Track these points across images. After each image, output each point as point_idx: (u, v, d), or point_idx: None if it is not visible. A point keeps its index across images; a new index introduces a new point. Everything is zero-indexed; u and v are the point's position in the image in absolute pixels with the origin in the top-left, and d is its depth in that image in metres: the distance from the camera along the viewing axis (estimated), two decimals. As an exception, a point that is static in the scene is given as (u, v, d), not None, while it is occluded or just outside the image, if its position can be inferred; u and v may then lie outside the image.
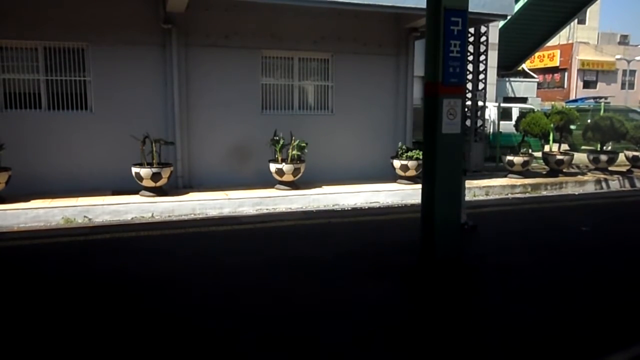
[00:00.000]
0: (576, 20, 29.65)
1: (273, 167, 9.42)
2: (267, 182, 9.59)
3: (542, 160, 12.71)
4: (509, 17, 12.86)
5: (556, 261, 5.32)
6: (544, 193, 10.85)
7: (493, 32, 15.70)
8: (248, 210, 8.73)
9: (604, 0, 66.13)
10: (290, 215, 8.36)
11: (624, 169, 12.99)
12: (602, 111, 15.24)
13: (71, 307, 4.05)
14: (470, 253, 5.31)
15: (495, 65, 18.18)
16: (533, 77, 25.64)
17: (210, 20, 9.58)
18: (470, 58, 12.57)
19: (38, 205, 7.85)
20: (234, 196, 8.89)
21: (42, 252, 5.73)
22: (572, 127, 13.73)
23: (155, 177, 8.56)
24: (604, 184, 11.78)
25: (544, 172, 12.22)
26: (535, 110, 13.80)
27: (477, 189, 10.35)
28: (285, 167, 9.31)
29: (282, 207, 8.96)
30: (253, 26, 9.85)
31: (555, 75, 37.81)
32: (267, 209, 8.84)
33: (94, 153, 9.07)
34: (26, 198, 8.16)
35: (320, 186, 9.84)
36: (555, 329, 3.67)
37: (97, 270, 4.97)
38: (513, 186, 10.76)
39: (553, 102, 18.61)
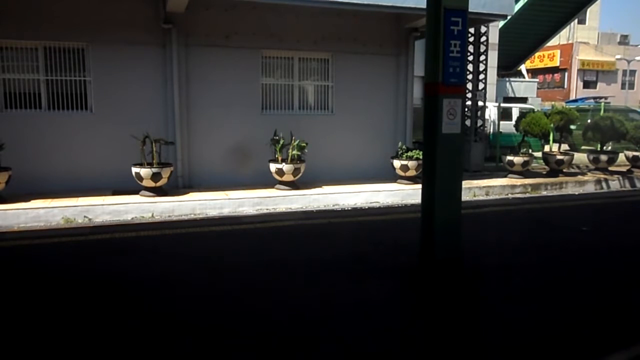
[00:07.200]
0: (576, 20, 29.68)
1: (273, 167, 9.42)
2: (267, 182, 9.59)
3: (542, 160, 12.71)
4: (509, 17, 12.90)
5: (556, 261, 5.32)
6: (544, 193, 10.85)
7: (493, 32, 15.71)
8: (248, 210, 8.73)
9: (604, 0, 66.18)
10: (291, 215, 8.35)
11: (624, 169, 12.99)
12: (602, 111, 15.24)
13: (71, 307, 4.05)
14: (470, 253, 5.30)
15: (495, 65, 18.19)
16: (525, 78, 25.75)
17: (210, 20, 9.58)
18: (470, 58, 12.58)
19: (38, 205, 7.85)
20: (234, 196, 8.89)
21: (42, 252, 5.73)
22: (572, 127, 13.73)
23: (155, 177, 8.56)
24: (604, 184, 11.78)
25: (544, 172, 12.22)
26: (535, 110, 13.80)
27: (477, 189, 10.36)
28: (285, 167, 9.30)
29: (282, 207, 8.96)
30: (253, 26, 9.85)
31: (555, 75, 37.82)
32: (267, 209, 8.84)
33: (94, 153, 9.08)
34: (26, 198, 8.16)
35: (320, 186, 9.84)
36: (555, 329, 3.67)
37: (97, 270, 4.97)
38: (513, 186, 10.76)
39: (553, 102, 18.62)
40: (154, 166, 8.63)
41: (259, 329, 3.67)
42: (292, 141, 9.46)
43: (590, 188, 11.56)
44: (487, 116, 13.95)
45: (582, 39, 38.63)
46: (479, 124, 12.90)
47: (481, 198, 10.09)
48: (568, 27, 28.21)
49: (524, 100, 21.01)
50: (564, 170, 12.24)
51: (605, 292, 4.46)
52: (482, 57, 12.89)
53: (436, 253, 4.74)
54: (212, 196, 8.82)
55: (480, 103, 12.86)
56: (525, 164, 11.47)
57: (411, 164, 10.09)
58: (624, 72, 37.36)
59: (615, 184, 11.88)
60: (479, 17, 10.12)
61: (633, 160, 13.17)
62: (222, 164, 9.85)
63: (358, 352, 3.36)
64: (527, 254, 5.53)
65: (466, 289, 4.56)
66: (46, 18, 8.67)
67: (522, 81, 23.59)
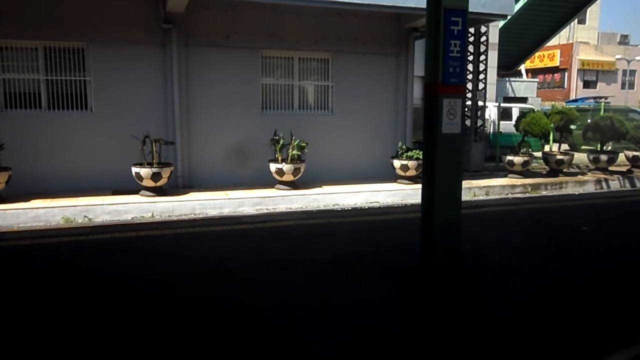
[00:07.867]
0: (576, 20, 29.71)
1: (273, 167, 9.42)
2: (267, 182, 9.59)
3: (542, 160, 12.71)
4: (509, 17, 12.90)
5: (556, 261, 5.32)
6: (544, 193, 10.85)
7: (493, 32, 15.71)
8: (248, 210, 8.73)
9: (604, 0, 66.20)
10: (290, 215, 8.35)
11: (624, 169, 12.99)
12: (602, 111, 15.24)
13: (71, 307, 4.05)
14: (470, 253, 5.30)
15: (495, 65, 18.19)
16: (523, 77, 25.82)
17: (210, 20, 9.58)
18: (470, 58, 12.57)
19: (38, 205, 7.85)
20: (234, 196, 8.89)
21: (42, 252, 5.72)
22: (572, 127, 13.74)
23: (155, 177, 8.56)
24: (604, 184, 11.78)
25: (544, 172, 12.22)
26: (535, 110, 13.80)
27: (477, 189, 10.35)
28: (285, 167, 9.30)
29: (282, 207, 8.96)
30: (253, 26, 9.85)
31: (555, 75, 37.82)
32: (267, 209, 8.84)
33: (94, 153, 9.07)
34: (26, 198, 8.16)
35: (320, 186, 9.84)
36: (556, 329, 3.67)
37: (97, 270, 4.97)
38: (513, 186, 10.76)
39: (553, 102, 18.62)
40: (154, 166, 8.62)
41: (259, 329, 3.67)
42: (292, 141, 9.46)
43: (590, 188, 11.56)
44: (487, 116, 13.95)
45: (582, 39, 38.64)
46: (479, 124, 12.90)
47: (481, 198, 10.09)
48: (568, 27, 28.22)
49: (524, 100, 21.01)
50: (564, 170, 12.24)
51: (605, 292, 4.46)
52: (482, 57, 12.88)
53: (436, 253, 4.74)
54: (212, 196, 8.82)
55: (480, 103, 12.85)
56: (525, 164, 11.47)
57: (411, 163, 10.09)
58: (624, 72, 37.37)
59: (615, 184, 11.88)
60: (479, 17, 10.13)
61: (633, 160, 13.17)
62: (222, 164, 9.85)
63: (358, 353, 3.36)
64: (527, 254, 5.53)
65: (466, 289, 4.56)
66: (46, 18, 8.66)
67: (522, 81, 23.58)
